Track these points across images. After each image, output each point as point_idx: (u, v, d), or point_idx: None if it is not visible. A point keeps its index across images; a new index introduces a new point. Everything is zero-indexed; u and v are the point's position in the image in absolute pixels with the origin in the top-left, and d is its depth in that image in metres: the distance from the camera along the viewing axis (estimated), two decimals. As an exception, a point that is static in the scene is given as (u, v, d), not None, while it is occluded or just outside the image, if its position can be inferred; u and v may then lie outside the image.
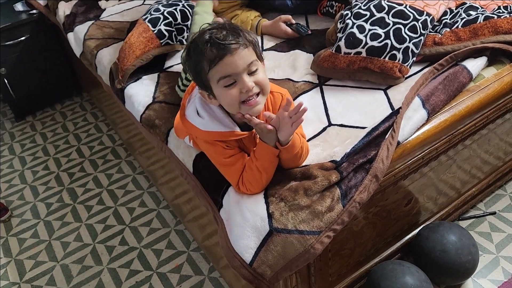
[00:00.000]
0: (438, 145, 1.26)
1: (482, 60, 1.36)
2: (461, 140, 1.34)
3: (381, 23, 1.39)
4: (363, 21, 1.41)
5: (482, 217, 1.66)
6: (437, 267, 1.36)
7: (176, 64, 1.62)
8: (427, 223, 1.52)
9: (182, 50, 1.03)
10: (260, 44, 1.02)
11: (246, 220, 1.04)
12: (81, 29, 1.96)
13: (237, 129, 1.04)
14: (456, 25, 1.44)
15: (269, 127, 0.98)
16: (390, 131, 1.15)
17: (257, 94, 0.98)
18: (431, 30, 1.47)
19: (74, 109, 2.64)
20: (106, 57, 1.76)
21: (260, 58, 1.01)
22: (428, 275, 1.33)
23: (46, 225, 1.91)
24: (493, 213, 1.66)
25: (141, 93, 1.52)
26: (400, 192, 1.32)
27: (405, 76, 1.38)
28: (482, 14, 1.44)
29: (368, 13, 1.42)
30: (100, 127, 2.46)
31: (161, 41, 1.62)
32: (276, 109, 1.07)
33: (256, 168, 1.03)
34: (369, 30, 1.38)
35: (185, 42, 1.67)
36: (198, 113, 1.06)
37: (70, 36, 2.02)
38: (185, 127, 1.10)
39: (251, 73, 0.97)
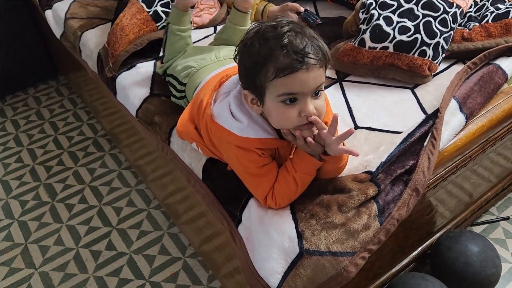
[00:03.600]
0: (472, 152, 1.16)
1: (516, 59, 1.26)
2: (492, 146, 1.24)
3: (410, 15, 1.26)
4: (390, 12, 1.27)
5: (495, 222, 1.59)
6: (460, 280, 1.27)
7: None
8: (443, 230, 1.44)
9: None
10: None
11: (272, 240, 0.91)
12: (61, 7, 1.73)
13: (277, 137, 0.91)
14: (485, 20, 1.33)
15: (312, 141, 0.86)
16: (429, 137, 1.03)
17: None
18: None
19: (49, 94, 2.39)
20: (92, 39, 1.56)
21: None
22: (449, 287, 1.25)
23: (21, 226, 1.71)
24: (506, 218, 1.59)
25: (137, 83, 1.35)
26: (426, 201, 1.22)
27: (433, 74, 1.26)
28: (513, 8, 1.34)
29: (396, 3, 1.28)
30: (80, 115, 2.24)
31: (158, 24, 1.44)
32: None
33: (293, 180, 0.90)
34: (397, 22, 1.25)
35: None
36: (233, 115, 0.91)
37: (48, 14, 1.79)
38: (214, 131, 0.94)
39: (315, 96, 0.84)
